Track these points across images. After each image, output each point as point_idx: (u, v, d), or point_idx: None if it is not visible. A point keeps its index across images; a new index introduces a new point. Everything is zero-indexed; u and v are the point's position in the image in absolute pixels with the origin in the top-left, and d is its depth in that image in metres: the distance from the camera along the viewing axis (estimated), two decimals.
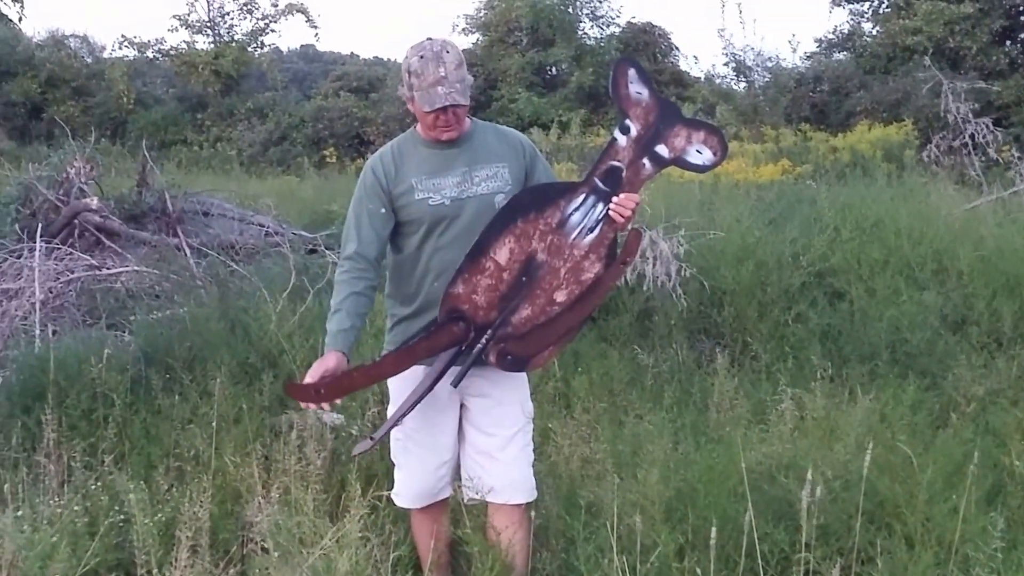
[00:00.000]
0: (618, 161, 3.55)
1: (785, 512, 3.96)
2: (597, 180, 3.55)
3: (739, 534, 3.67)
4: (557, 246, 3.55)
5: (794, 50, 44.76)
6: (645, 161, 3.56)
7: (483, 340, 3.55)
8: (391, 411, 3.89)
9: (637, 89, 3.57)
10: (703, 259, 7.54)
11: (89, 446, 5.12)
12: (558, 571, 3.93)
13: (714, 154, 3.62)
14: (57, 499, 4.43)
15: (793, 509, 3.81)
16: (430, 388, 3.62)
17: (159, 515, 4.24)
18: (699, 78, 29.76)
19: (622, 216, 3.56)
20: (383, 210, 3.72)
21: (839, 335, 6.86)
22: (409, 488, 3.90)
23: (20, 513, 4.19)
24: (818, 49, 28.14)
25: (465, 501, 3.91)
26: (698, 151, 3.60)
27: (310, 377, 3.50)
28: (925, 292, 7.17)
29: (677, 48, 32.06)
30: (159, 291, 7.95)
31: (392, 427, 3.73)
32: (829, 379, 5.83)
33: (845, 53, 27.22)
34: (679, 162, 3.61)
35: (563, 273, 3.57)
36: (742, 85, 27.09)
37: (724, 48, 26.47)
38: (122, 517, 4.31)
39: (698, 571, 3.60)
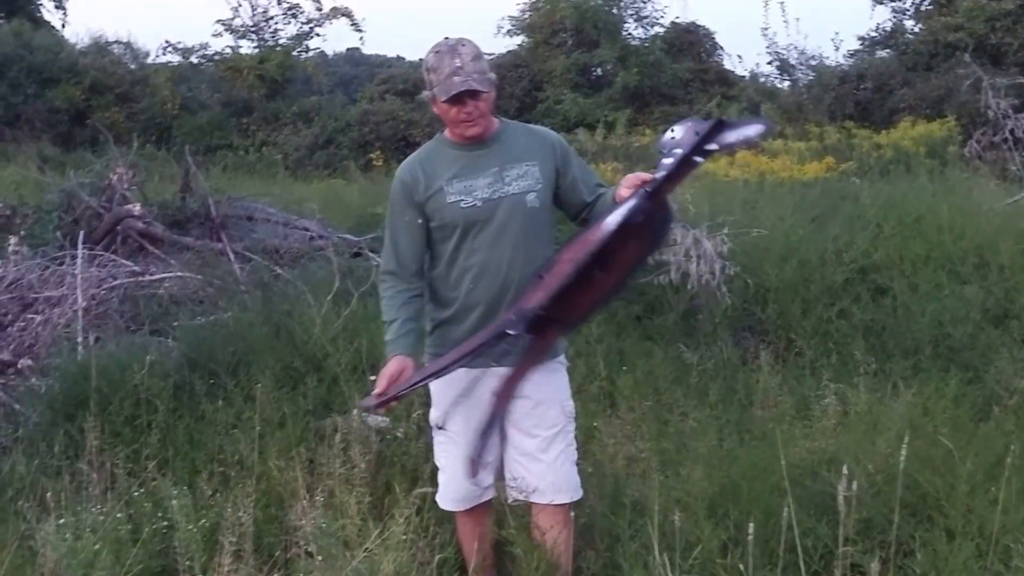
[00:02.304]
0: (669, 159, 3.38)
1: (828, 507, 3.96)
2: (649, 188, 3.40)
3: (782, 530, 3.66)
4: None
5: (837, 48, 44.64)
6: (695, 158, 3.40)
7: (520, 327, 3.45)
8: (433, 415, 3.91)
9: (672, 135, 3.43)
10: (747, 257, 7.61)
11: (132, 453, 5.17)
12: (603, 570, 3.93)
13: (761, 124, 3.54)
14: (100, 506, 4.48)
15: (835, 504, 3.81)
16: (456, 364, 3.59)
17: (203, 520, 4.29)
18: (744, 77, 29.71)
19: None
20: (419, 220, 3.79)
21: (882, 330, 6.93)
22: (452, 491, 3.93)
23: (63, 521, 4.25)
24: (861, 47, 28.03)
25: (510, 502, 3.93)
26: (740, 132, 3.44)
27: (378, 388, 3.58)
28: (967, 286, 7.26)
29: (721, 47, 31.98)
30: (203, 296, 8.00)
31: (406, 391, 3.71)
32: (873, 374, 5.87)
33: (888, 50, 27.10)
34: (726, 147, 3.47)
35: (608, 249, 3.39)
36: (786, 83, 27.16)
37: (768, 47, 26.41)
38: (165, 523, 4.36)
39: (740, 567, 3.60)
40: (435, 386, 3.87)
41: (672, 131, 3.44)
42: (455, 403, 3.75)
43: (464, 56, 3.60)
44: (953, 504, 4.10)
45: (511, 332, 3.44)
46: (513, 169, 3.75)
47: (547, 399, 3.83)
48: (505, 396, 3.55)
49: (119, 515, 4.35)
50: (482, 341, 3.52)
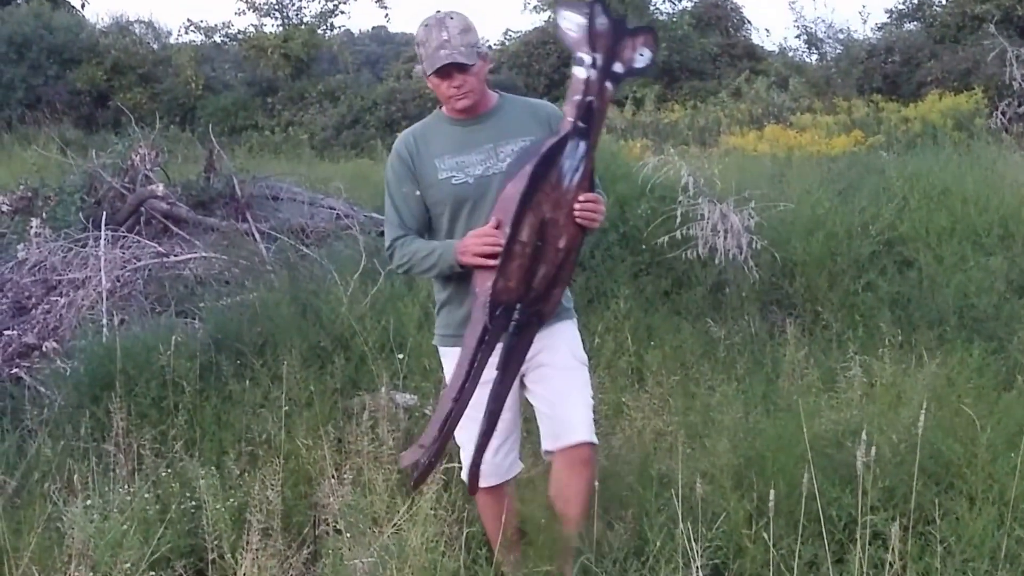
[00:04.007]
0: (588, 95, 3.54)
1: (852, 477, 3.98)
2: (576, 122, 3.54)
3: (807, 499, 3.70)
4: (557, 200, 3.56)
5: (864, 21, 44.90)
6: (608, 84, 3.58)
7: (515, 316, 3.60)
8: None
9: (569, 26, 3.57)
10: (774, 231, 7.66)
11: (159, 434, 5.23)
12: (629, 541, 3.96)
13: (651, 51, 3.65)
14: (127, 487, 4.53)
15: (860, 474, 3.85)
16: (469, 376, 3.62)
17: (231, 500, 4.34)
18: (772, 51, 29.82)
19: (593, 220, 3.64)
20: (417, 192, 3.79)
21: (908, 302, 7.03)
22: (464, 467, 3.92)
23: (90, 502, 4.29)
24: (889, 20, 28.07)
25: (545, 458, 3.96)
26: (640, 55, 3.62)
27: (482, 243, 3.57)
28: (992, 258, 7.34)
29: (749, 22, 32.16)
30: (228, 277, 8.05)
31: (440, 433, 3.67)
32: (898, 346, 5.92)
33: (915, 23, 27.15)
34: (631, 73, 3.64)
35: (562, 221, 3.59)
36: (814, 57, 27.30)
37: (795, 21, 26.54)
38: (193, 503, 4.41)
39: (764, 536, 3.63)
40: (448, 364, 3.86)
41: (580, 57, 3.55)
42: (456, 396, 3.72)
43: (452, 29, 3.61)
44: (974, 471, 4.17)
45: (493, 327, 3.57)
46: (508, 145, 3.73)
47: (557, 346, 3.85)
48: (498, 398, 3.66)
49: (146, 495, 4.41)
50: (476, 341, 3.59)
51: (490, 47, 30.79)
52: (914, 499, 3.92)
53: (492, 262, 3.51)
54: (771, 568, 3.68)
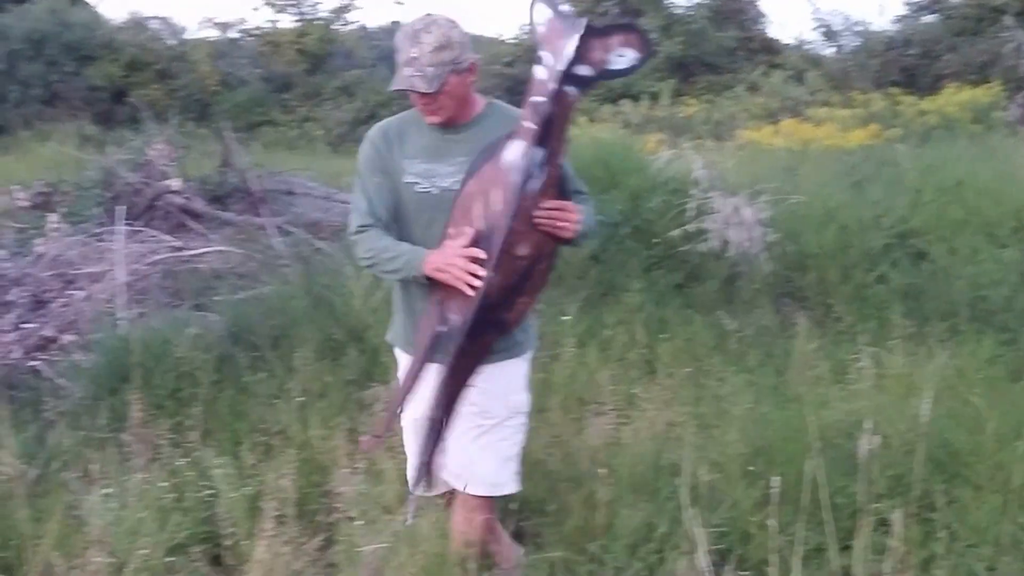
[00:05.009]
0: (541, 96, 3.28)
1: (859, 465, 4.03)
2: (527, 123, 3.31)
3: (815, 487, 3.75)
4: (505, 202, 3.34)
5: (881, 13, 44.86)
6: (568, 88, 3.27)
7: (468, 323, 3.43)
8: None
9: (539, 20, 3.32)
10: (786, 224, 7.73)
11: (175, 424, 5.29)
12: (639, 529, 4.02)
13: (638, 51, 3.32)
14: (144, 476, 4.61)
15: (866, 461, 3.90)
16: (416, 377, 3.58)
17: (246, 488, 4.41)
18: (788, 44, 29.77)
19: (562, 229, 3.40)
20: (388, 185, 3.61)
21: (920, 294, 7.07)
22: (409, 476, 3.87)
23: (108, 491, 4.37)
24: (907, 12, 27.93)
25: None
26: (619, 55, 3.31)
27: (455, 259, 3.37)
28: (1005, 250, 7.38)
29: (765, 15, 32.00)
30: (243, 270, 8.12)
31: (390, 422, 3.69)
32: (910, 338, 5.97)
33: (934, 15, 27.02)
34: (604, 75, 3.35)
35: (520, 228, 3.35)
36: (831, 50, 27.13)
37: (812, 13, 26.51)
38: (209, 492, 4.48)
39: (769, 523, 3.68)
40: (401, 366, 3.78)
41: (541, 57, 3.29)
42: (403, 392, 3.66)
43: (425, 45, 3.36)
44: (980, 460, 4.21)
45: (445, 331, 3.47)
46: None
47: (493, 391, 3.68)
48: (446, 400, 3.56)
49: (163, 484, 4.48)
50: (427, 344, 3.51)
51: (488, 50, 30.76)
52: (920, 487, 3.98)
53: (467, 291, 3.35)
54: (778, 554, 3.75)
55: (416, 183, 3.56)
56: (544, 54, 3.27)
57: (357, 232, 3.63)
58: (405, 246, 3.54)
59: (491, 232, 3.36)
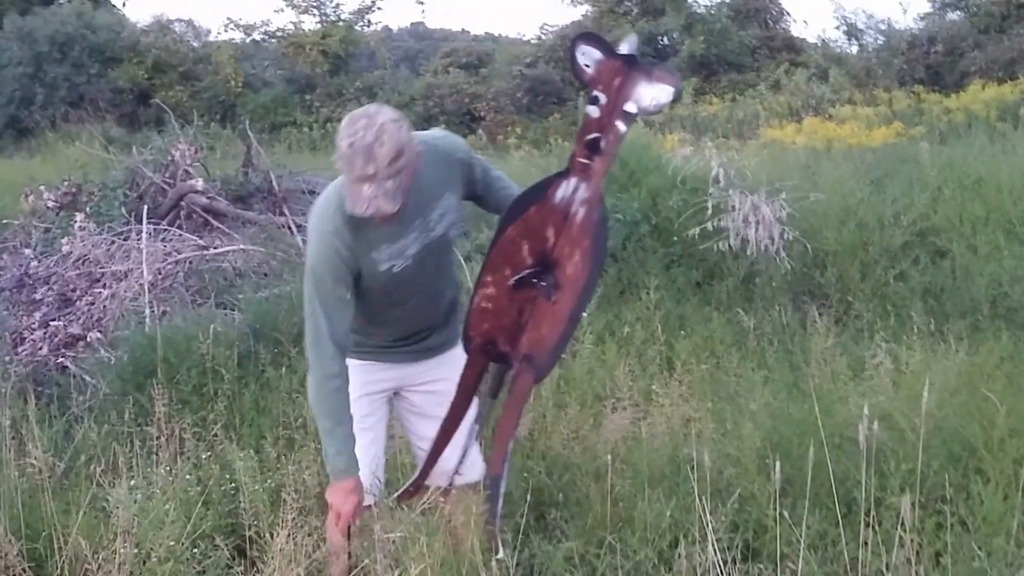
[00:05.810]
0: (596, 133, 3.39)
1: (876, 459, 4.06)
2: (581, 159, 3.41)
3: (828, 480, 3.80)
4: (579, 236, 3.45)
5: (905, 11, 44.77)
6: (618, 123, 3.39)
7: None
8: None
9: (586, 62, 3.38)
10: (805, 221, 7.71)
11: (199, 419, 5.40)
12: (657, 521, 4.07)
13: (672, 85, 3.39)
14: (169, 469, 4.69)
15: (883, 456, 3.95)
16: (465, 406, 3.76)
17: (268, 481, 4.48)
18: (811, 43, 29.73)
19: None
20: (348, 296, 3.53)
21: (940, 292, 7.09)
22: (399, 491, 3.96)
23: (134, 483, 4.44)
24: (932, 9, 27.82)
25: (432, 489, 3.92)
26: (660, 90, 3.39)
27: (341, 526, 3.70)
28: None
29: (788, 13, 31.91)
30: (266, 269, 8.20)
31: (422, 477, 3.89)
32: (929, 335, 5.97)
33: (958, 13, 26.89)
34: (644, 112, 3.44)
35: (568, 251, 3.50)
36: (854, 48, 27.11)
37: (835, 11, 26.48)
38: (232, 485, 4.55)
39: (785, 515, 3.73)
40: (353, 375, 3.71)
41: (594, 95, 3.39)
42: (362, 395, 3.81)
43: (380, 160, 3.15)
44: (993, 453, 4.22)
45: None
46: (435, 211, 3.54)
47: (449, 377, 3.77)
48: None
49: (188, 477, 4.56)
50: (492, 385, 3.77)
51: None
52: (932, 479, 4.01)
53: (338, 524, 3.66)
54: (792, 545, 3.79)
55: (393, 265, 3.52)
56: (598, 94, 3.37)
57: (317, 351, 3.57)
58: (339, 440, 3.58)
59: (555, 265, 3.50)
